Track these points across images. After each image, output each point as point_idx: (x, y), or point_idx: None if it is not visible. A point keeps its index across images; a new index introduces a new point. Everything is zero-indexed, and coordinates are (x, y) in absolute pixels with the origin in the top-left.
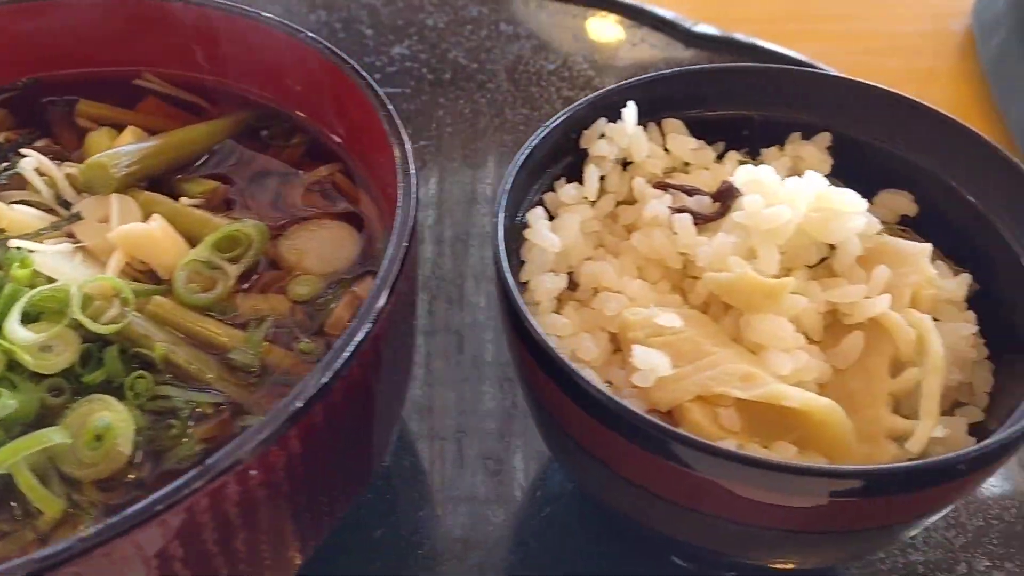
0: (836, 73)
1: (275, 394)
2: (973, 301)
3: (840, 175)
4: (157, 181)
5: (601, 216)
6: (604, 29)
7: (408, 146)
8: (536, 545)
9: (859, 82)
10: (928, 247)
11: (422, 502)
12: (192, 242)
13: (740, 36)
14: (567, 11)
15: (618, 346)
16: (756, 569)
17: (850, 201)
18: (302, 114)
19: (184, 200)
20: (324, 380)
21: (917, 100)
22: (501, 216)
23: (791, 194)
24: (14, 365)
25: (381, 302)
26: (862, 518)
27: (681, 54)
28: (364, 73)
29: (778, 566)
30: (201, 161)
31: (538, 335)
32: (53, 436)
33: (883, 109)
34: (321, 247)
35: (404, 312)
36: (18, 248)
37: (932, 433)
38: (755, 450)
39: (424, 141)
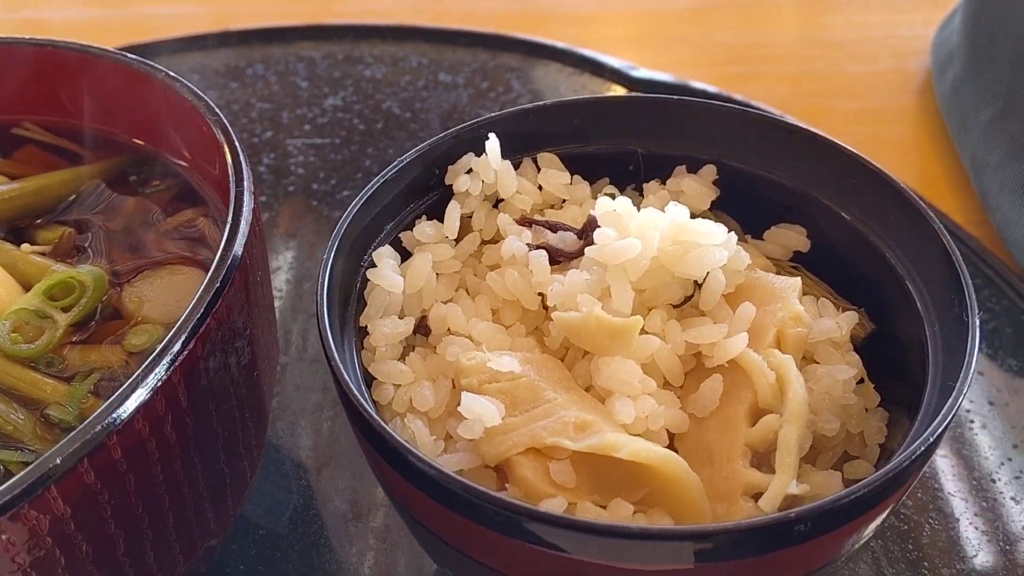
0: (716, 103)
1: None
2: (869, 344)
3: (731, 210)
4: (16, 228)
5: (464, 256)
6: (544, 76)
7: (247, 183)
8: None
9: (748, 111)
10: (797, 281)
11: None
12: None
13: (684, 81)
14: (507, 60)
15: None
16: None
17: (710, 233)
18: (164, 151)
19: (26, 247)
20: (94, 433)
21: (811, 129)
22: (330, 256)
23: (643, 226)
24: None
25: (176, 347)
26: None
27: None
28: (218, 111)
29: None
30: (66, 206)
31: (347, 385)
32: None
33: (775, 140)
34: (167, 294)
35: (221, 357)
36: None
37: (788, 490)
38: (587, 509)
39: (347, 191)
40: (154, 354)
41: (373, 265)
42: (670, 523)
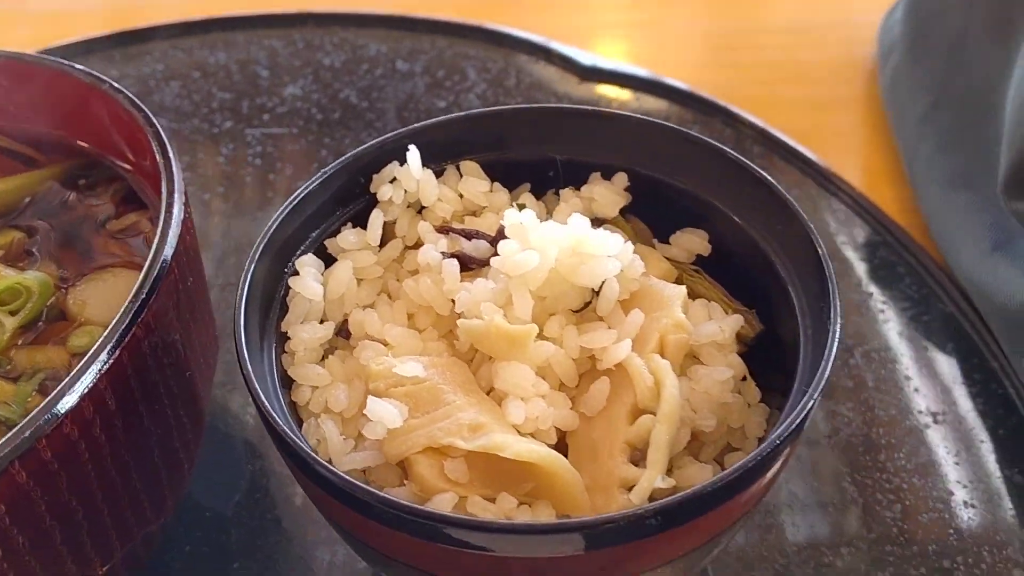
0: (625, 114)
1: None
2: (760, 342)
3: (643, 215)
4: None
5: (386, 262)
6: (498, 65)
7: (177, 193)
8: None
9: (655, 122)
10: (682, 290)
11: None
12: None
13: (635, 70)
14: (465, 48)
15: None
16: None
17: (604, 245)
18: (118, 161)
19: None
20: (24, 437)
21: (702, 138)
22: (251, 265)
23: (542, 239)
24: None
25: (103, 356)
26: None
27: (575, 89)
28: (149, 113)
29: None
30: (21, 209)
31: (253, 390)
32: None
33: (678, 148)
34: (108, 297)
35: (149, 365)
36: None
37: (656, 483)
38: (476, 503)
39: (301, 182)
40: (81, 363)
41: (296, 273)
42: (553, 515)
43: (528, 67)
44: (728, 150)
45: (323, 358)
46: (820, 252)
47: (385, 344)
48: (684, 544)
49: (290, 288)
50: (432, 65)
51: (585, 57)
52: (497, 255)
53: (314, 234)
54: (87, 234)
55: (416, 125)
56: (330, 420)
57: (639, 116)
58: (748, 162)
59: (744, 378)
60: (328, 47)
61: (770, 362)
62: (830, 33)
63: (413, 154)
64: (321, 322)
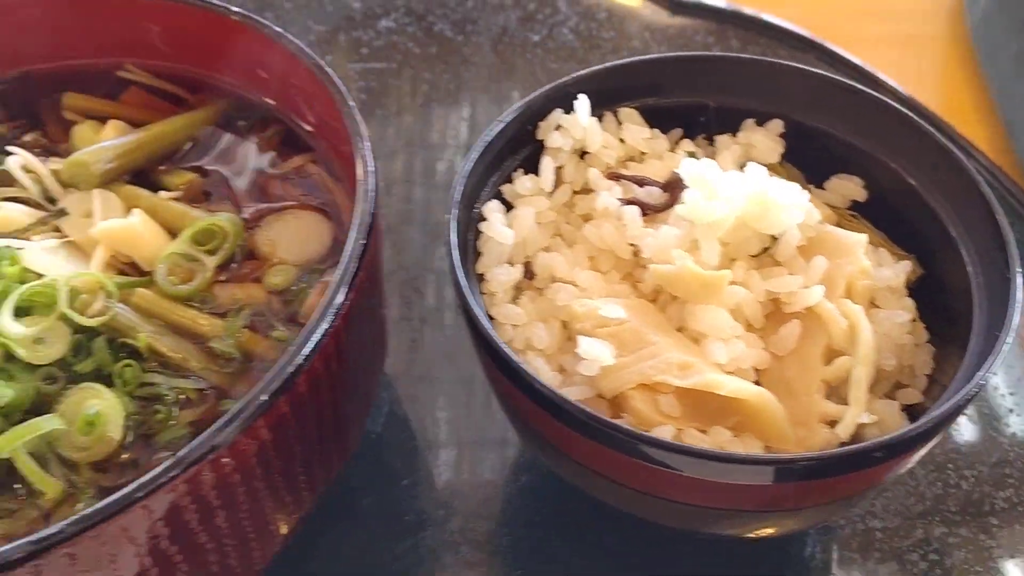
0: (784, 63)
1: (255, 379)
2: (919, 285)
3: (794, 160)
4: (141, 173)
5: (557, 206)
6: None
7: (366, 145)
8: (512, 509)
9: (810, 71)
10: (864, 238)
11: (408, 472)
12: (172, 234)
13: (724, 4)
14: None
15: (571, 334)
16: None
17: (788, 195)
18: (275, 103)
19: (163, 193)
20: (288, 373)
21: (863, 88)
22: (454, 212)
23: (729, 189)
24: (10, 356)
25: (340, 298)
26: (793, 499)
27: (666, 22)
28: (328, 69)
29: (731, 535)
30: (184, 153)
31: (484, 331)
32: (47, 424)
33: (833, 96)
34: (294, 237)
35: (366, 303)
36: (7, 246)
37: (860, 419)
38: (691, 435)
39: (410, 116)
40: (323, 306)
41: (482, 218)
42: (759, 447)
43: (617, 2)
44: (883, 97)
45: (512, 299)
46: (991, 203)
47: (574, 286)
48: (886, 474)
49: (480, 233)
50: (522, 0)
51: None
52: (673, 205)
53: (492, 179)
54: (256, 176)
55: (577, 74)
56: (538, 357)
57: (794, 64)
58: (908, 112)
59: (913, 320)
60: None
61: (932, 305)
62: None
63: (582, 103)
64: (511, 264)
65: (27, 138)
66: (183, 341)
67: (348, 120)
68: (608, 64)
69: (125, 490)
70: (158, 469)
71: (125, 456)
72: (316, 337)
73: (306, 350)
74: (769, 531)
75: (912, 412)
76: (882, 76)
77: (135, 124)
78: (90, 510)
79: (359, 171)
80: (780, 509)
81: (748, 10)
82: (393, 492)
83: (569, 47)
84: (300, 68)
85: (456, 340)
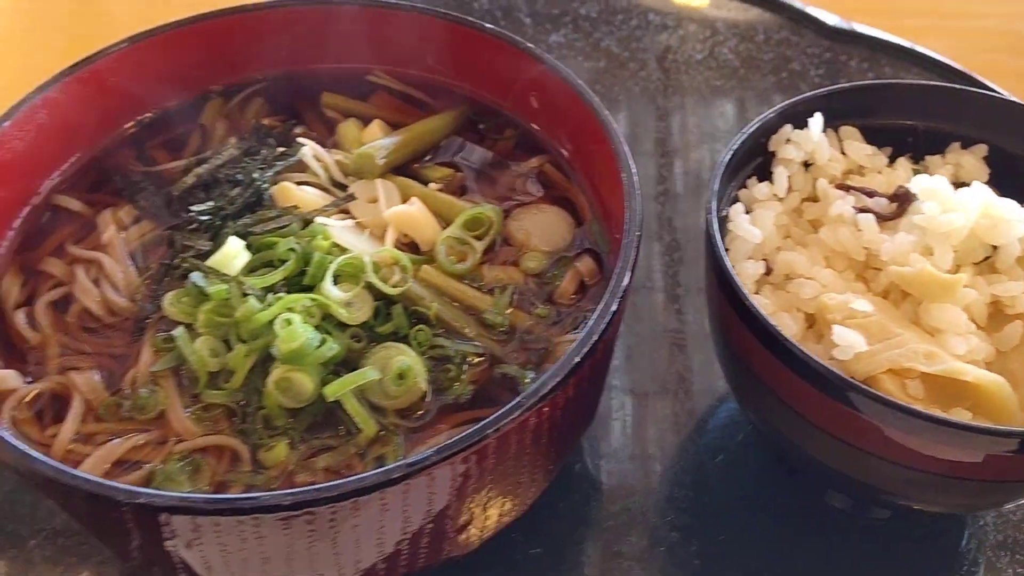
0: (991, 93)
1: (522, 348)
2: None
3: (994, 184)
4: (399, 167)
5: (788, 211)
6: (743, 21)
7: (634, 170)
8: (712, 478)
9: (1012, 101)
10: None
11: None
12: (440, 221)
13: (874, 32)
14: (711, 4)
15: (810, 324)
16: (899, 509)
17: (1013, 210)
18: (508, 109)
19: (433, 186)
20: (592, 340)
21: None
22: (714, 204)
23: (963, 203)
24: (326, 316)
25: (625, 282)
26: (1009, 471)
27: (822, 45)
28: (586, 88)
29: (923, 507)
30: (437, 151)
31: (754, 308)
32: (370, 373)
33: None
34: (543, 228)
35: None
36: (321, 223)
37: None
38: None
39: None
40: (611, 289)
41: (727, 218)
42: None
43: (769, 24)
44: None
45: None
46: None
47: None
48: None
49: (729, 231)
50: (681, 20)
51: (830, 18)
52: (899, 212)
53: (732, 184)
54: (500, 173)
55: (805, 95)
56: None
57: (1000, 95)
58: None
59: None
60: None
61: None
62: None
63: (817, 120)
64: (755, 260)
65: (297, 131)
66: (461, 312)
67: (607, 129)
68: (831, 88)
69: (477, 426)
70: (504, 409)
71: (423, 407)
72: (609, 314)
73: (603, 324)
74: (961, 505)
75: None
76: None
77: (388, 124)
78: (454, 439)
79: (623, 175)
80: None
81: (902, 40)
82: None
83: (730, 66)
84: (553, 82)
85: (662, 333)
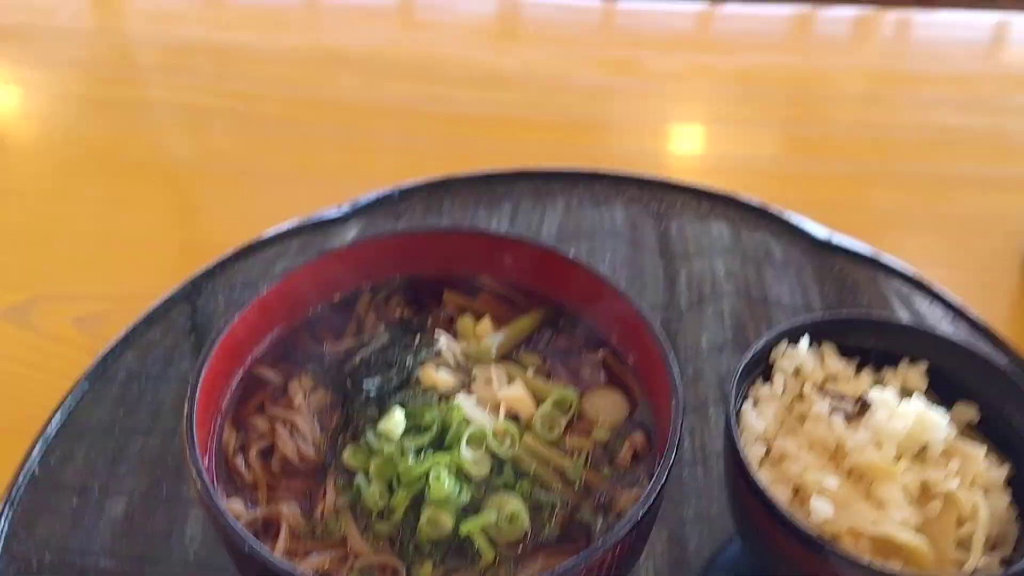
0: (932, 333)
1: (595, 501)
2: (1014, 480)
3: (933, 389)
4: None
5: (782, 407)
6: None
7: (681, 393)
8: None
9: (944, 337)
10: (983, 450)
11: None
12: (534, 398)
13: (864, 248)
14: (712, 216)
15: (795, 493)
16: None
17: (939, 418)
18: (588, 316)
19: (530, 372)
20: (651, 499)
21: (996, 363)
22: (732, 405)
23: (904, 412)
24: (458, 471)
25: (671, 458)
26: None
27: (810, 259)
28: (648, 315)
29: None
30: (526, 342)
31: (758, 482)
32: (491, 516)
33: (962, 360)
34: (607, 406)
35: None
36: (457, 400)
37: (978, 564)
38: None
39: None
40: (663, 465)
41: (739, 412)
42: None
43: (759, 235)
44: (1002, 367)
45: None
46: None
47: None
48: None
49: (740, 420)
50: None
51: (820, 231)
52: (862, 412)
53: (743, 386)
54: (572, 361)
55: (799, 321)
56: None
57: (934, 332)
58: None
59: (1010, 503)
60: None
61: (1017, 492)
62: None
63: (804, 342)
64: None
65: (428, 323)
66: (550, 470)
67: (667, 367)
68: (817, 317)
69: (574, 559)
70: (597, 543)
71: (527, 539)
72: (661, 481)
73: (656, 490)
74: None
75: (1007, 562)
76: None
77: (494, 318)
78: (560, 566)
79: (669, 376)
80: None
81: (880, 256)
82: None
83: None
84: (618, 304)
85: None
